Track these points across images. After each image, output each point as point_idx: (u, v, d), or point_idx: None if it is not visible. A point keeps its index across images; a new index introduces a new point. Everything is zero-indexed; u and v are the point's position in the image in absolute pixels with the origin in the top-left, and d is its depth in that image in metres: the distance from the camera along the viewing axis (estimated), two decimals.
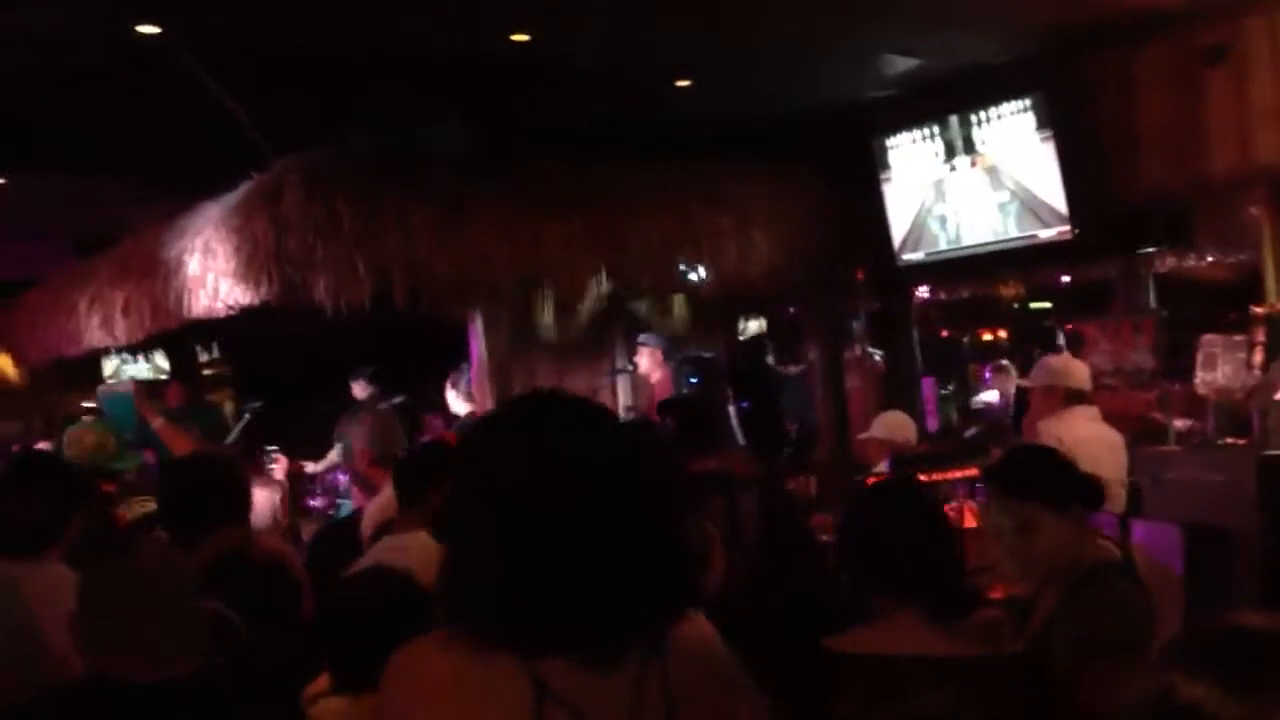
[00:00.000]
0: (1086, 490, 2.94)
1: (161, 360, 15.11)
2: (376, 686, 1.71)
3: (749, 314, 10.94)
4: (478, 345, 7.07)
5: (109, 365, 14.75)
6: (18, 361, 12.08)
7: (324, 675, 2.90)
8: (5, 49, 5.82)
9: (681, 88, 7.13)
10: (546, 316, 7.45)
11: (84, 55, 6.03)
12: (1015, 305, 11.85)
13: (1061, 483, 2.88)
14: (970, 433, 7.80)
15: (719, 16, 6.11)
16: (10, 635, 3.08)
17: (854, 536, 2.71)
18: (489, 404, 6.96)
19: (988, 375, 9.24)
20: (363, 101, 6.83)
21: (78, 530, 3.48)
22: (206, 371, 13.84)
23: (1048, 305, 11.91)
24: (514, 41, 6.15)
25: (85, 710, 2.34)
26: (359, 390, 8.27)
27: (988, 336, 12.88)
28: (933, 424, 8.07)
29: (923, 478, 4.90)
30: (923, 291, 9.56)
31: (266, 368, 10.24)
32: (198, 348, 13.72)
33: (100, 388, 6.46)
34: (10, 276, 10.53)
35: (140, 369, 15.28)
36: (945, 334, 10.36)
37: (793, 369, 9.41)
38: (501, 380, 7.13)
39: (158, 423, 5.83)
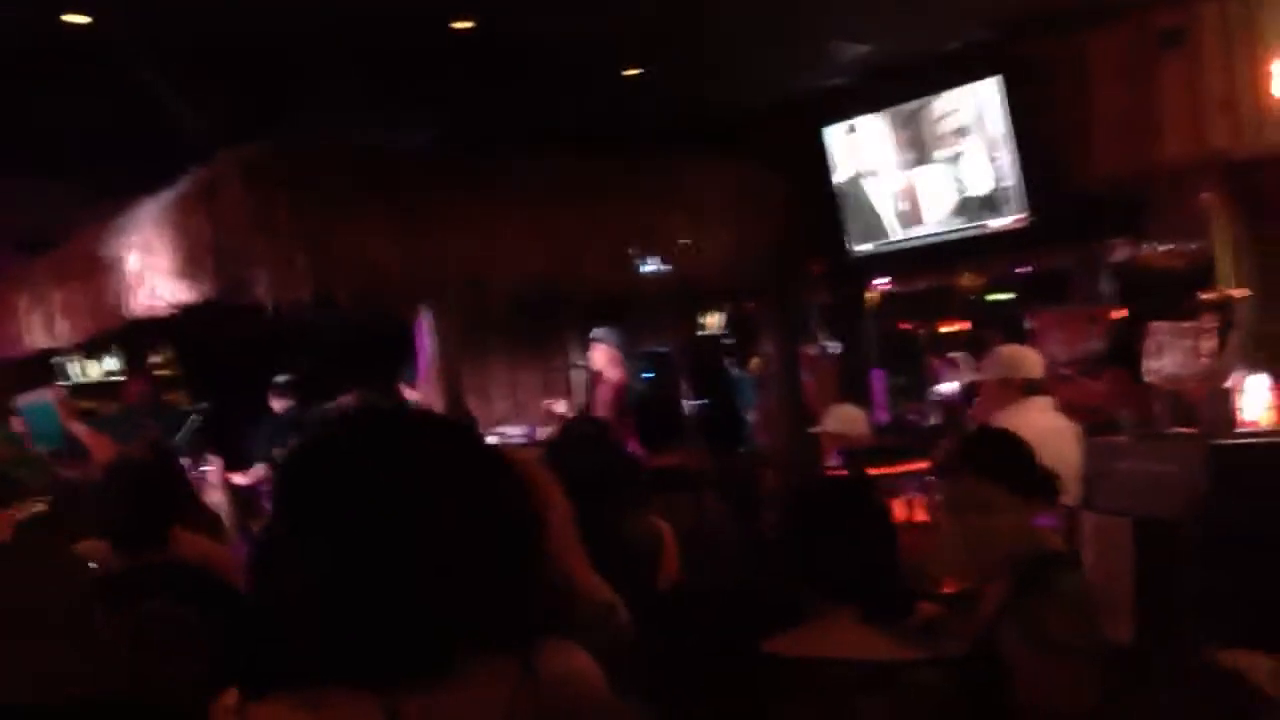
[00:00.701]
0: (1045, 483, 2.87)
1: (112, 361, 14.96)
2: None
3: (707, 309, 10.87)
4: (426, 343, 6.93)
5: (70, 367, 14.59)
6: None
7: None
8: None
9: (630, 77, 7.03)
10: (497, 312, 7.30)
11: (17, 49, 5.88)
12: (975, 296, 11.81)
13: (1026, 469, 2.81)
14: (928, 424, 7.74)
15: (667, 3, 6.02)
16: None
17: (790, 535, 2.61)
18: (438, 403, 6.83)
19: (937, 366, 9.20)
20: (304, 95, 6.69)
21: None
22: (159, 372, 13.68)
23: (1009, 296, 11.88)
24: (458, 29, 6.03)
25: None
26: (276, 404, 8.14)
27: (948, 328, 12.84)
28: (883, 417, 8.00)
29: (871, 471, 4.83)
30: (881, 283, 9.51)
31: (217, 368, 10.08)
32: (150, 347, 13.61)
33: (19, 396, 6.31)
34: None
35: (94, 369, 15.12)
36: (905, 326, 10.29)
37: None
38: (452, 378, 6.99)
39: (79, 428, 5.70)
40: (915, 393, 8.92)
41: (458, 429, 1.69)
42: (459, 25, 5.96)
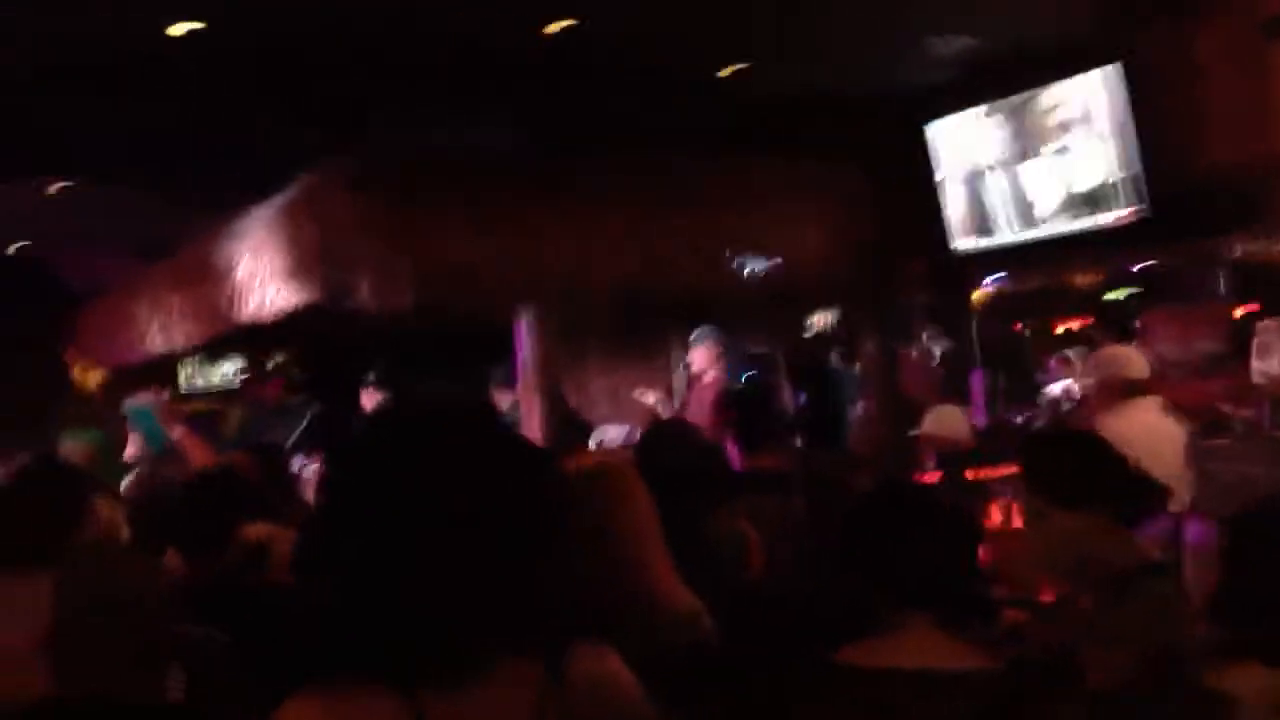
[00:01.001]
0: (1122, 491, 2.78)
1: (233, 364, 15.42)
2: None
3: (811, 308, 10.78)
4: (525, 346, 6.98)
5: (186, 369, 15.06)
6: (90, 367, 12.31)
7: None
8: (63, 62, 5.88)
9: (725, 77, 7.00)
10: (596, 315, 7.33)
11: (128, 62, 6.09)
12: (1093, 294, 11.53)
13: (1073, 478, 2.72)
14: (1033, 427, 7.57)
15: (761, 4, 5.99)
16: None
17: (860, 540, 2.58)
18: (536, 406, 6.88)
19: (1052, 366, 8.99)
20: (402, 101, 6.80)
21: (83, 540, 3.45)
22: (279, 375, 14.04)
23: (1129, 293, 11.57)
24: (553, 32, 6.07)
25: None
26: (368, 401, 8.23)
27: (1066, 327, 12.57)
28: (980, 419, 7.85)
29: (969, 475, 4.75)
30: (990, 281, 9.34)
31: (331, 370, 10.31)
32: (270, 351, 13.98)
33: (127, 399, 6.49)
34: (84, 284, 10.72)
35: (218, 373, 15.59)
36: (1018, 326, 10.08)
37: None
38: (549, 380, 7.04)
39: (178, 433, 5.84)
40: (1023, 394, 8.74)
41: (499, 431, 1.70)
42: (556, 26, 5.99)
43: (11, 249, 9.57)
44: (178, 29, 5.59)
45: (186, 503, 3.74)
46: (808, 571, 4.23)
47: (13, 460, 8.42)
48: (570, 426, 7.40)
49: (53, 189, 8.44)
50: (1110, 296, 11.64)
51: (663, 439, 4.19)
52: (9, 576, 3.25)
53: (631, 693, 1.68)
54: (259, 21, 5.63)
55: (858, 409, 8.80)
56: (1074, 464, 2.75)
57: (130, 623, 2.37)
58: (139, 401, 6.11)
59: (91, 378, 14.24)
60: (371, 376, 8.29)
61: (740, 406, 5.21)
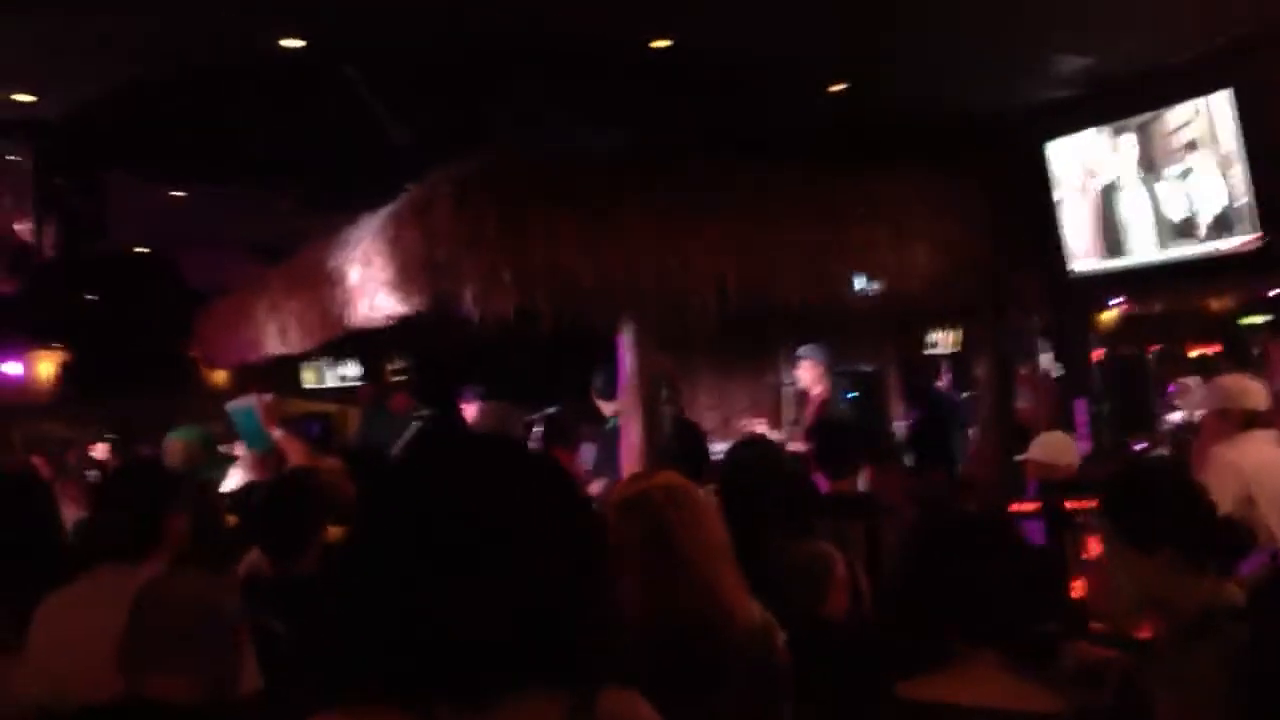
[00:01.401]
0: (1200, 533, 2.63)
1: (351, 367, 15.74)
2: None
3: (923, 327, 10.60)
4: (627, 356, 6.97)
5: (309, 371, 15.43)
6: (212, 366, 12.68)
7: None
8: (187, 74, 6.07)
9: (835, 93, 6.91)
10: (701, 327, 7.26)
11: (244, 73, 6.26)
12: (1225, 319, 11.12)
13: (1146, 519, 2.59)
14: (1149, 456, 7.31)
15: (877, 19, 5.91)
16: None
17: (928, 574, 2.49)
18: (637, 417, 6.85)
19: (1173, 393, 8.69)
20: (508, 111, 6.85)
21: (182, 535, 3.52)
22: (396, 378, 14.30)
23: (1264, 319, 11.13)
24: (657, 48, 6.07)
25: None
26: (471, 413, 8.27)
27: (1200, 353, 12.15)
28: (1085, 446, 7.60)
29: (1070, 504, 4.59)
30: (1114, 304, 9.07)
31: (442, 375, 10.46)
32: (385, 354, 14.25)
33: (229, 402, 6.65)
34: (206, 284, 11.04)
35: (336, 375, 15.93)
36: (1129, 350, 9.77)
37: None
38: (650, 392, 7.00)
39: (277, 434, 5.97)
40: (1142, 421, 8.46)
41: (540, 459, 1.68)
42: (659, 44, 5.98)
43: (139, 249, 9.88)
44: (291, 42, 5.71)
45: (268, 504, 3.81)
46: (887, 599, 4.14)
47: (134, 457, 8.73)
48: (686, 436, 7.37)
49: (178, 192, 8.70)
50: (1246, 322, 11.22)
51: (743, 459, 4.15)
52: (104, 570, 3.34)
53: None
54: (368, 36, 5.73)
55: (968, 431, 8.63)
56: (1148, 504, 2.62)
57: (196, 627, 2.41)
58: (240, 403, 6.26)
59: (216, 375, 14.68)
60: (471, 386, 8.36)
61: (820, 435, 5.13)
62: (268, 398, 6.11)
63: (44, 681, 3.17)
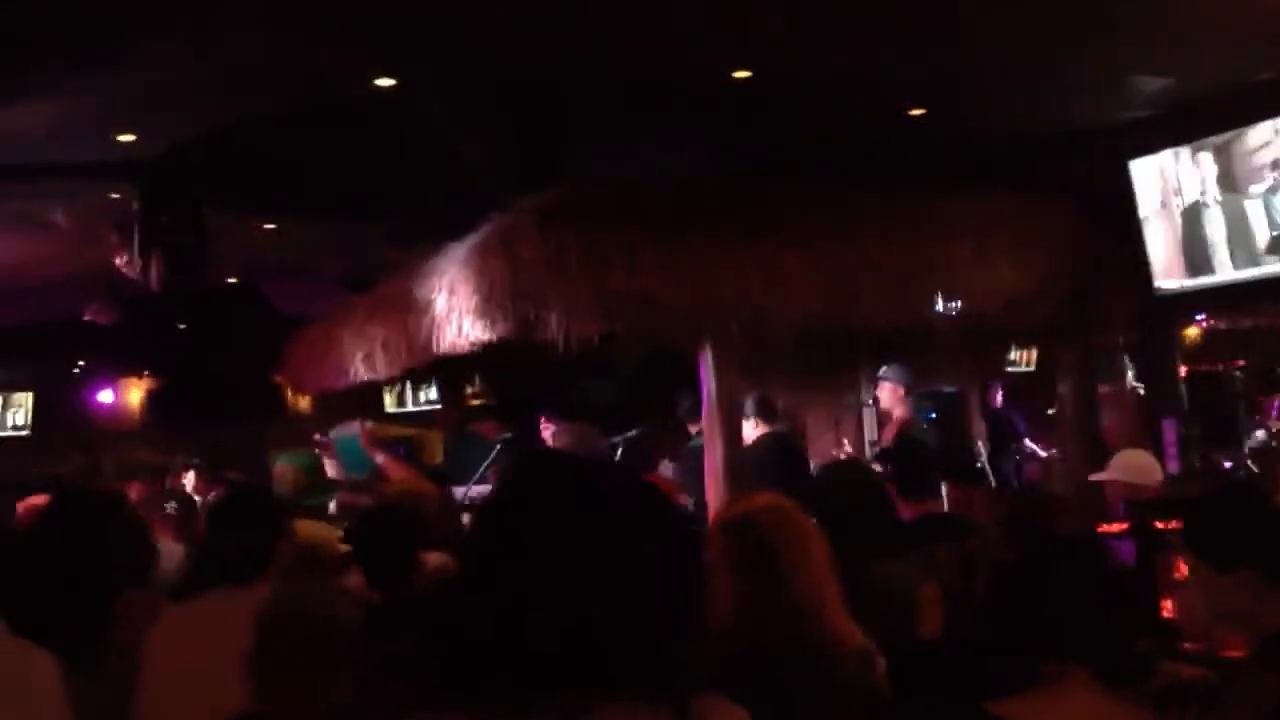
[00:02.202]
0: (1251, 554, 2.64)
1: (435, 391, 15.92)
2: None
3: (1006, 347, 10.55)
4: (707, 378, 7.03)
5: (389, 396, 15.66)
6: (298, 392, 12.94)
7: None
8: (270, 106, 6.27)
9: (914, 116, 6.94)
10: (781, 349, 7.31)
11: (339, 110, 6.45)
12: None
13: (1222, 537, 2.61)
14: (1237, 475, 7.22)
15: (955, 42, 5.94)
16: None
17: (1020, 592, 2.53)
18: (718, 438, 6.92)
19: (1276, 412, 8.55)
20: (589, 139, 6.96)
21: (288, 560, 3.64)
22: (475, 402, 14.48)
23: None
24: (737, 78, 6.15)
25: None
26: (547, 434, 8.34)
27: None
28: (1174, 466, 7.51)
29: (1159, 525, 4.57)
30: (1199, 322, 8.97)
31: (523, 400, 10.59)
32: (468, 379, 14.44)
33: (335, 428, 6.80)
34: (294, 313, 11.29)
35: (418, 400, 16.12)
36: (1214, 367, 9.62)
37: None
38: (733, 414, 7.06)
39: (379, 458, 6.10)
40: (1228, 439, 8.34)
41: (644, 485, 1.76)
42: (739, 74, 6.06)
43: (230, 280, 10.15)
44: (383, 81, 5.88)
45: (368, 531, 3.91)
46: (977, 619, 4.15)
47: (221, 484, 8.93)
48: (788, 452, 7.42)
49: (270, 225, 8.94)
50: None
51: (833, 481, 4.19)
52: (216, 595, 3.47)
53: None
54: (454, 73, 5.87)
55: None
56: (1226, 523, 2.64)
57: (324, 643, 2.51)
58: (345, 430, 6.42)
59: (300, 402, 14.96)
60: (552, 409, 8.46)
61: (898, 457, 5.14)
62: (370, 424, 6.25)
63: (162, 704, 3.30)
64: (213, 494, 8.94)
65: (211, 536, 3.64)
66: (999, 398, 10.23)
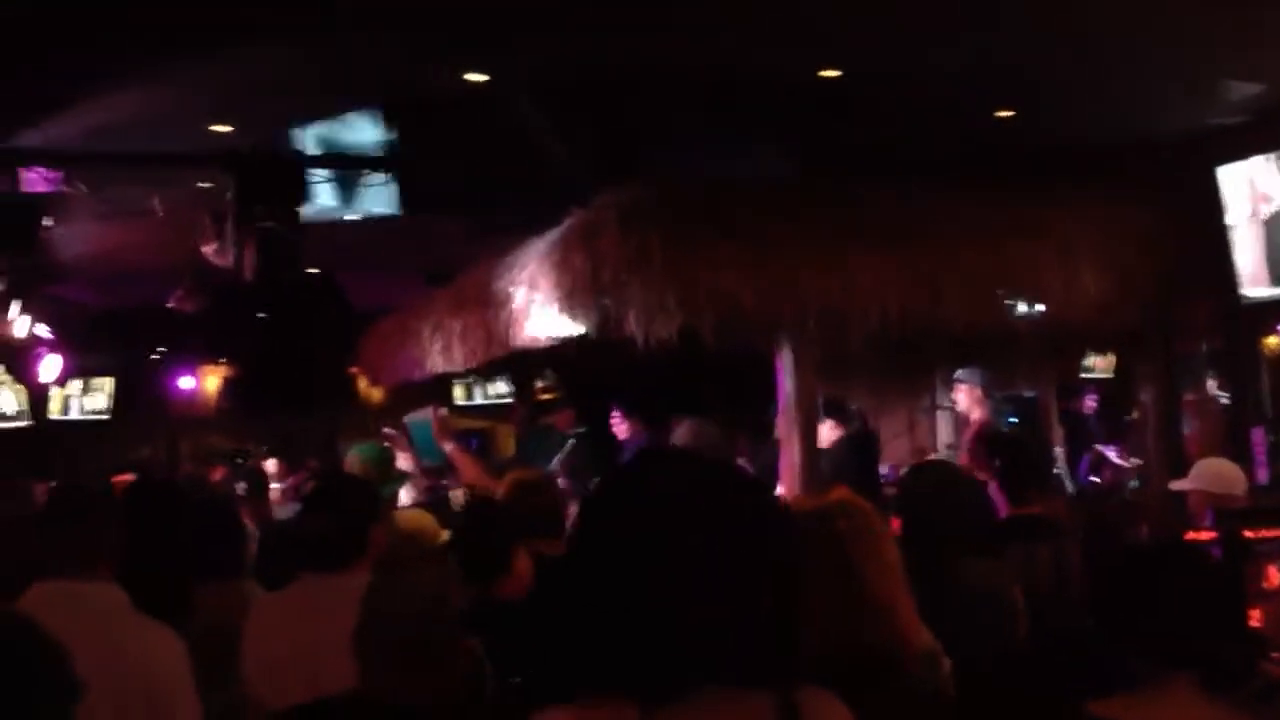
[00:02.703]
0: None
1: (504, 385, 16.04)
2: None
3: (1083, 352, 10.45)
4: (785, 379, 7.04)
5: (460, 389, 15.80)
6: (374, 383, 13.10)
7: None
8: (360, 100, 6.36)
9: (1002, 118, 6.90)
10: (859, 350, 7.29)
11: (426, 104, 6.53)
12: None
13: None
14: None
15: (1045, 45, 5.90)
16: None
17: (1124, 596, 2.53)
18: (795, 438, 6.92)
19: None
20: (672, 136, 6.98)
21: (382, 546, 3.70)
22: (545, 396, 14.58)
23: None
24: (825, 77, 6.15)
25: None
26: (619, 431, 8.35)
27: None
28: (1262, 475, 7.39)
29: (1249, 534, 4.52)
30: None
31: (596, 395, 10.65)
32: (538, 373, 14.53)
33: (407, 415, 6.88)
34: (370, 305, 11.43)
35: (489, 393, 16.27)
36: None
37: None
38: (810, 415, 7.06)
39: (449, 448, 6.15)
40: None
41: (754, 482, 1.80)
42: (827, 73, 6.06)
43: (310, 270, 10.29)
44: (474, 76, 5.95)
45: (464, 527, 3.97)
46: (1073, 622, 4.12)
47: (304, 471, 9.09)
48: (865, 454, 7.41)
49: (350, 216, 9.05)
50: None
51: (923, 481, 4.16)
52: (312, 579, 3.54)
53: None
54: (544, 69, 5.93)
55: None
56: None
57: (429, 630, 2.56)
58: (418, 416, 6.48)
59: (373, 394, 15.14)
60: (623, 404, 8.48)
61: (1004, 452, 5.08)
62: (443, 412, 6.31)
63: (260, 686, 3.38)
64: (290, 480, 9.09)
65: (305, 521, 3.69)
66: (1088, 404, 10.14)
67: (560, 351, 7.67)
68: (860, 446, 7.39)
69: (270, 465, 9.90)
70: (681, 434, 5.57)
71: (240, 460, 9.22)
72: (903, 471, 5.07)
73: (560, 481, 7.19)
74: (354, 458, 6.69)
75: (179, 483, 5.33)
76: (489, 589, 3.79)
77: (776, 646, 1.64)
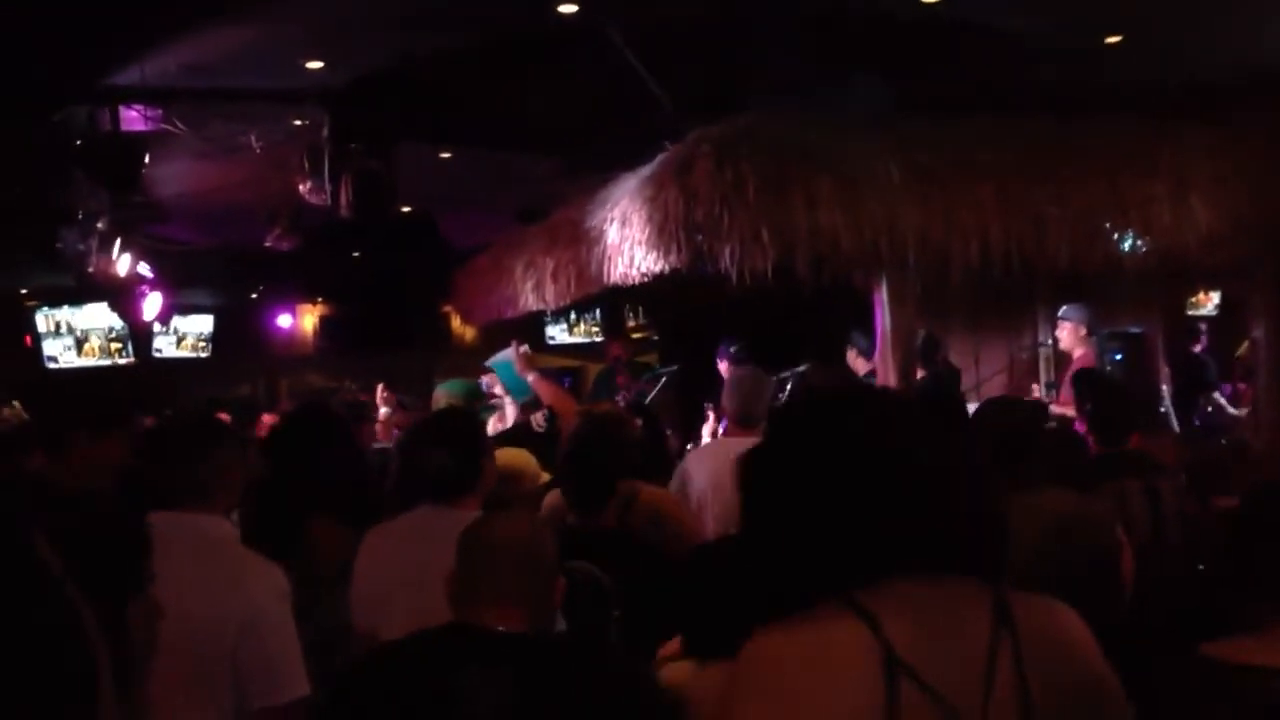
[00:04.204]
0: None
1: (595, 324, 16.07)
2: (725, 655, 1.75)
3: (1193, 288, 10.16)
4: (883, 315, 6.92)
5: (552, 328, 15.88)
6: (467, 322, 13.19)
7: (677, 638, 2.95)
8: (454, 37, 6.33)
9: (1111, 44, 6.65)
10: (959, 286, 7.13)
11: (517, 39, 6.48)
12: None
13: None
14: None
15: None
16: None
17: (1242, 538, 2.44)
18: (893, 376, 6.82)
19: None
20: (764, 68, 6.85)
21: (493, 480, 3.72)
22: (635, 335, 14.59)
23: None
24: (925, 3, 5.97)
25: (446, 651, 2.50)
26: (724, 368, 8.31)
27: None
28: None
29: None
30: None
31: (687, 332, 10.60)
32: (627, 310, 14.55)
33: (490, 358, 6.89)
34: (463, 244, 11.47)
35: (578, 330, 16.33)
36: None
37: None
38: (908, 352, 6.95)
39: (531, 377, 6.17)
40: None
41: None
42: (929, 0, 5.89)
43: (404, 209, 10.34)
44: (567, 7, 5.88)
45: (574, 457, 3.97)
46: (1173, 560, 4.03)
47: (401, 407, 9.17)
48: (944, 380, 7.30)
49: (443, 154, 9.06)
50: None
51: (990, 411, 4.09)
52: (426, 510, 3.57)
53: (1091, 647, 1.72)
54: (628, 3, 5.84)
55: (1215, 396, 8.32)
56: None
57: (527, 565, 2.57)
58: (500, 356, 6.51)
59: (466, 332, 15.26)
60: (724, 341, 8.41)
61: (1096, 394, 4.97)
62: (524, 348, 6.33)
63: (370, 616, 3.41)
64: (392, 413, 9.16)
65: (415, 453, 3.71)
66: (1199, 343, 9.90)
67: (654, 288, 7.62)
68: (941, 389, 7.23)
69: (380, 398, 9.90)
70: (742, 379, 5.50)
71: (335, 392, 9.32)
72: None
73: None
74: (440, 393, 6.75)
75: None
76: (595, 518, 3.81)
77: (986, 546, 1.71)
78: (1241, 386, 9.44)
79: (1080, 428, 5.11)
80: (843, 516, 1.67)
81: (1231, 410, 9.04)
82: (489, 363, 6.90)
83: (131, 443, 4.55)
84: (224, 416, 6.68)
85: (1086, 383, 5.35)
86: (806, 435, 1.77)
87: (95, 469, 4.34)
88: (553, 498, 4.24)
